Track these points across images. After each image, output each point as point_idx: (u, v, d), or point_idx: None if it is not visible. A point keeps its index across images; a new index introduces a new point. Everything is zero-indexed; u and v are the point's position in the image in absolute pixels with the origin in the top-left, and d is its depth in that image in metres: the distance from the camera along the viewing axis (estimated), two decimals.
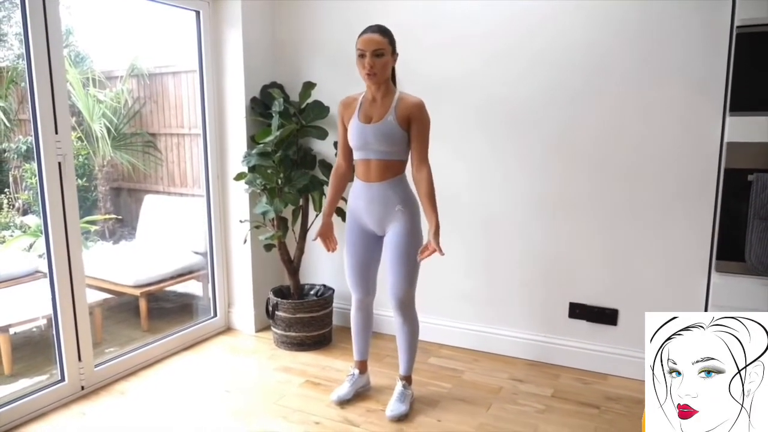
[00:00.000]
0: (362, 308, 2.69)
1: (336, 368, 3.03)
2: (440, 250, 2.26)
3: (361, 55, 2.29)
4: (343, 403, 2.66)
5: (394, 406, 2.56)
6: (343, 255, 2.64)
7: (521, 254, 3.07)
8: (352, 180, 2.58)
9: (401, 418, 2.52)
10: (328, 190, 2.64)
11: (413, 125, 2.35)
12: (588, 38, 2.75)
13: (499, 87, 2.97)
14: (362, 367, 2.78)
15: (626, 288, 2.86)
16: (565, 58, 2.81)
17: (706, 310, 2.59)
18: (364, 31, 2.32)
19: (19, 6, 2.40)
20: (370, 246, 2.55)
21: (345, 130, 2.49)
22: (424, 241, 2.41)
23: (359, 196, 2.48)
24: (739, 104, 2.35)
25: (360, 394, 2.73)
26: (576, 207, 2.91)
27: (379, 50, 2.27)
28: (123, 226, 4.46)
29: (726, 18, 2.47)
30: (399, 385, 2.63)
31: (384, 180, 2.41)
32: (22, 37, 2.43)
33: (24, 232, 3.84)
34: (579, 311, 2.97)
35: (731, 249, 2.42)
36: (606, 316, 2.92)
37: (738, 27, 2.32)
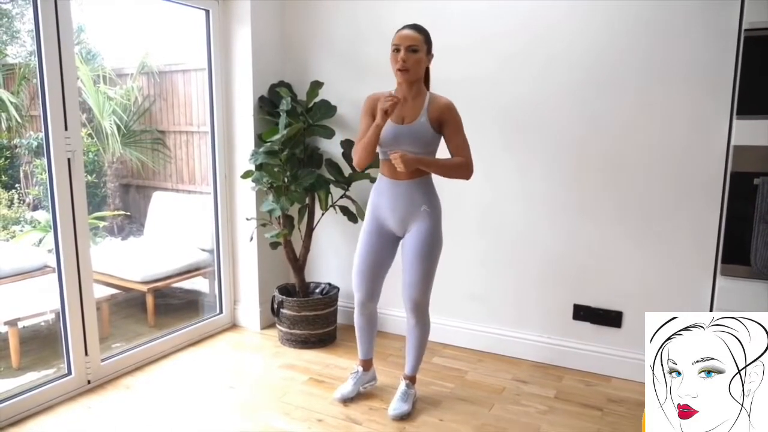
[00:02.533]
0: (364, 313, 2.64)
1: (340, 366, 3.04)
2: (399, 159, 2.22)
3: (396, 50, 2.28)
4: (347, 401, 2.67)
5: (396, 405, 2.57)
6: (354, 254, 2.58)
7: (526, 256, 3.07)
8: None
9: (403, 417, 2.53)
10: (359, 146, 2.39)
11: (446, 127, 2.34)
12: (596, 41, 2.75)
13: (509, 89, 2.98)
14: (366, 365, 2.77)
15: (631, 290, 2.86)
16: (571, 61, 2.81)
17: None
18: (401, 28, 2.31)
19: (32, 3, 2.43)
20: (386, 247, 2.51)
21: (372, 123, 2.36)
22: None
23: (383, 193, 2.45)
24: (746, 107, 2.35)
25: (363, 394, 2.74)
26: (582, 209, 2.91)
27: (414, 46, 2.26)
28: (131, 223, 4.50)
29: (734, 21, 2.46)
30: (402, 385, 2.64)
31: (412, 178, 2.38)
32: (34, 34, 2.46)
33: (34, 227, 3.87)
34: (583, 313, 2.97)
35: (737, 252, 2.41)
36: (610, 319, 2.91)
37: (746, 30, 2.32)
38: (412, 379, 2.65)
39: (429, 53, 2.34)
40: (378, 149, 2.40)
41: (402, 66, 2.26)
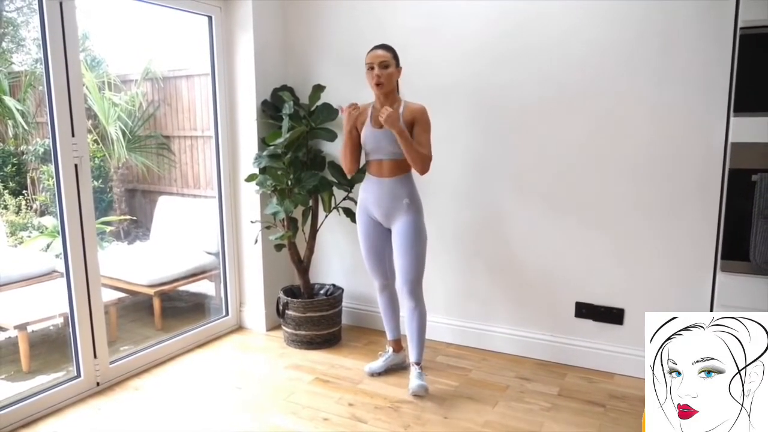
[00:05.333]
0: (385, 293, 2.95)
1: (345, 366, 3.08)
2: (385, 116, 2.48)
3: (370, 68, 2.60)
4: (374, 374, 2.94)
5: (415, 382, 2.71)
6: (360, 248, 2.88)
7: (528, 254, 3.09)
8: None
9: (424, 392, 2.70)
10: (344, 153, 2.79)
11: (416, 126, 2.63)
12: (592, 39, 2.77)
13: (507, 88, 3.00)
14: (396, 346, 3.01)
15: (632, 287, 2.88)
16: (569, 59, 2.83)
17: (711, 309, 2.60)
18: (371, 50, 2.63)
19: (37, 11, 2.46)
20: (380, 234, 2.81)
21: (357, 133, 2.77)
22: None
23: (369, 190, 2.75)
24: (743, 105, 2.36)
25: (369, 392, 2.78)
26: (582, 206, 2.93)
27: (384, 62, 2.59)
28: (137, 227, 4.53)
29: (730, 19, 2.48)
30: (415, 368, 2.77)
31: (394, 176, 2.68)
32: (40, 42, 2.49)
33: (41, 232, 3.91)
34: (585, 311, 3.00)
35: (736, 249, 2.43)
36: (612, 316, 2.94)
37: (742, 28, 2.33)
38: (420, 367, 2.78)
39: (398, 66, 2.65)
40: (363, 152, 2.77)
41: (378, 80, 2.58)
